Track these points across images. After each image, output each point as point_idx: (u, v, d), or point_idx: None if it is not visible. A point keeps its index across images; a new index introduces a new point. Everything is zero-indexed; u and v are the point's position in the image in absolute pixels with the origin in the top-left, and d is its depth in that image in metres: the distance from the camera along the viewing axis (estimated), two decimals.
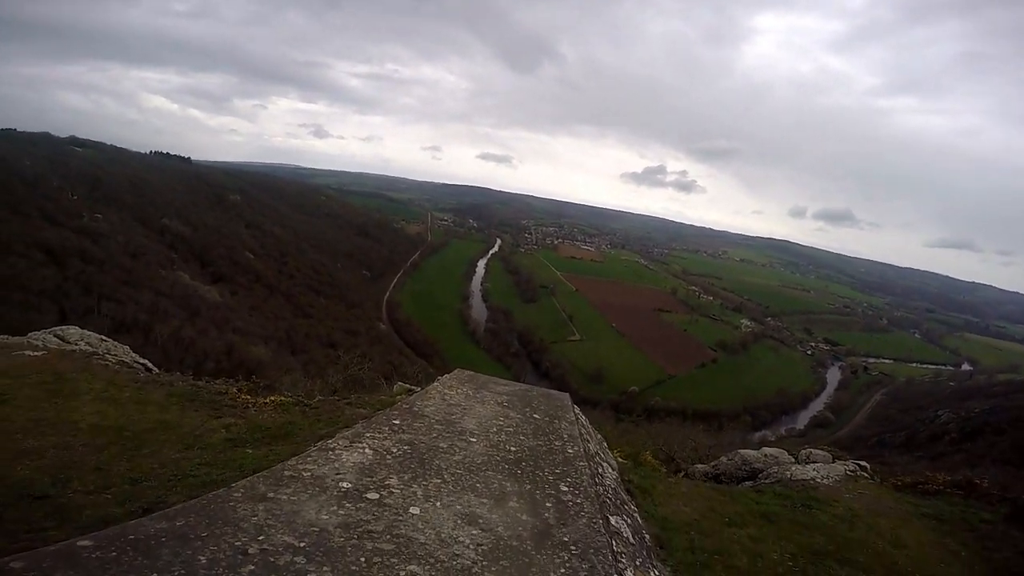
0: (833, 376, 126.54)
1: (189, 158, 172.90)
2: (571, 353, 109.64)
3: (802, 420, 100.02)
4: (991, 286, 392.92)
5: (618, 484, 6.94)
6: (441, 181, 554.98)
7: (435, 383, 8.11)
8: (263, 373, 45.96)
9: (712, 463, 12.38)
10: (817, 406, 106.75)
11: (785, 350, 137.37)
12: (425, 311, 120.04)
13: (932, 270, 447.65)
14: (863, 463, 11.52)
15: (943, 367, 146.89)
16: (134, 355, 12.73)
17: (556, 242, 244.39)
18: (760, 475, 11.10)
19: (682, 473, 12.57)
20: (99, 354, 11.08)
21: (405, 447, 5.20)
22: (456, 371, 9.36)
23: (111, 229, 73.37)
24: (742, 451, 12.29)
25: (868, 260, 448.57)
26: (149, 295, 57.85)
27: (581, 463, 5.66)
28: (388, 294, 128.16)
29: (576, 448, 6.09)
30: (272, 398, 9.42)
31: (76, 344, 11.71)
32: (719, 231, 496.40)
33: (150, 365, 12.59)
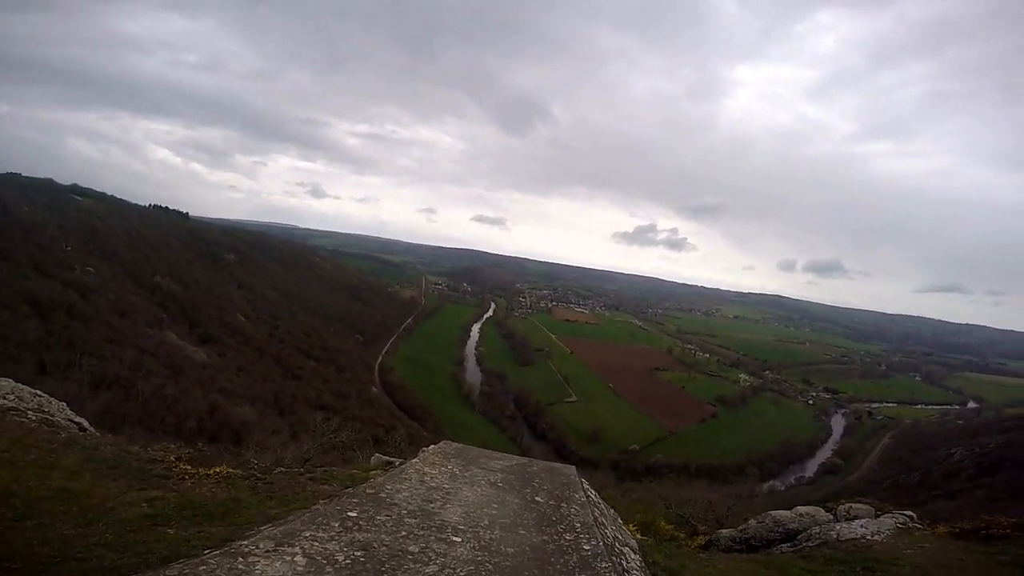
0: (837, 423, 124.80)
1: (187, 213, 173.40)
2: (568, 414, 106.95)
3: (810, 468, 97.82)
4: (985, 326, 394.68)
5: (643, 570, 5.87)
6: (436, 244, 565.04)
7: (414, 460, 7.03)
8: (248, 433, 43.66)
9: (740, 527, 11.49)
10: (825, 453, 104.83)
11: (786, 401, 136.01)
12: (418, 375, 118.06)
13: (925, 315, 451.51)
14: (909, 513, 10.72)
15: (948, 407, 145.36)
16: (70, 413, 11.79)
17: (550, 305, 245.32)
18: (798, 536, 10.18)
19: (704, 539, 11.60)
20: (19, 410, 10.04)
21: (357, 552, 3.87)
22: (442, 443, 8.38)
23: (102, 284, 72.42)
24: (773, 512, 11.37)
25: (861, 310, 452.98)
26: (133, 352, 56.10)
27: (603, 564, 4.44)
28: (381, 358, 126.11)
29: (594, 543, 4.89)
30: (217, 469, 8.27)
31: (3, 398, 10.61)
32: (711, 288, 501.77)
33: (86, 425, 11.56)
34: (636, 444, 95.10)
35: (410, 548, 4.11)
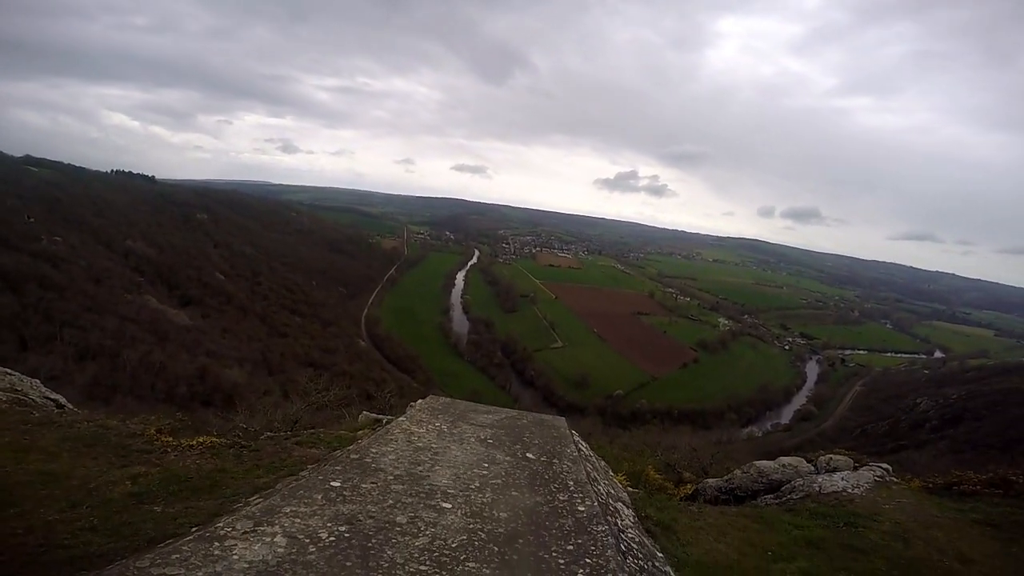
0: (812, 370, 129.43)
1: (153, 176, 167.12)
2: (555, 360, 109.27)
3: (786, 415, 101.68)
4: (953, 274, 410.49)
5: (637, 526, 5.78)
6: (415, 194, 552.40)
7: (400, 418, 6.76)
8: (240, 395, 44.13)
9: (725, 477, 11.65)
10: (800, 400, 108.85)
11: (764, 346, 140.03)
12: (405, 326, 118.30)
13: (897, 261, 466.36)
14: (885, 466, 11.02)
15: (916, 355, 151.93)
16: (45, 390, 11.36)
17: (534, 251, 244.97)
18: (783, 488, 10.38)
19: (692, 488, 11.91)
20: None
21: (342, 527, 3.64)
22: (429, 398, 8.07)
23: (72, 253, 69.95)
24: (757, 463, 11.54)
25: (836, 255, 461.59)
26: (114, 321, 55.11)
27: (600, 527, 4.25)
28: (366, 310, 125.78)
29: (589, 502, 4.68)
30: (200, 439, 8.02)
31: None
32: (692, 233, 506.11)
33: (63, 402, 11.17)
34: (621, 390, 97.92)
35: (398, 519, 3.89)
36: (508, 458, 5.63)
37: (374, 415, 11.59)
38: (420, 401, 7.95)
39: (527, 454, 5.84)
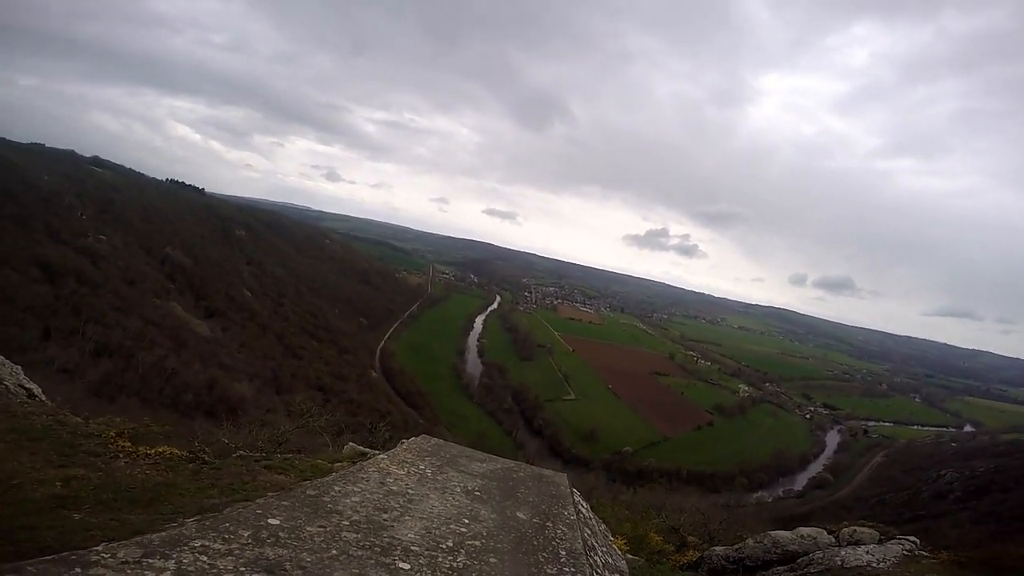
0: (832, 439, 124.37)
1: (203, 189, 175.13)
2: (565, 412, 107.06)
3: (800, 482, 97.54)
4: (991, 352, 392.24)
5: None
6: (446, 233, 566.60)
7: (381, 456, 6.21)
8: (244, 410, 44.15)
9: (735, 546, 10.93)
10: (816, 468, 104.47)
11: (784, 414, 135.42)
12: (419, 362, 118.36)
13: (932, 338, 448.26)
14: (913, 539, 10.25)
15: (945, 429, 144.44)
16: (23, 378, 11.30)
17: (556, 302, 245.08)
18: (799, 560, 9.65)
19: (696, 555, 11.23)
20: None
21: None
22: (419, 437, 7.51)
23: (113, 252, 73.26)
24: (773, 533, 10.83)
25: (867, 329, 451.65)
26: (137, 322, 56.83)
27: None
28: (383, 343, 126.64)
29: None
30: (160, 449, 7.59)
31: None
32: (719, 297, 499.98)
33: (36, 392, 11.04)
34: (630, 447, 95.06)
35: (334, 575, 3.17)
36: (494, 515, 4.92)
37: (360, 448, 10.96)
38: (409, 439, 7.40)
39: (517, 513, 5.15)
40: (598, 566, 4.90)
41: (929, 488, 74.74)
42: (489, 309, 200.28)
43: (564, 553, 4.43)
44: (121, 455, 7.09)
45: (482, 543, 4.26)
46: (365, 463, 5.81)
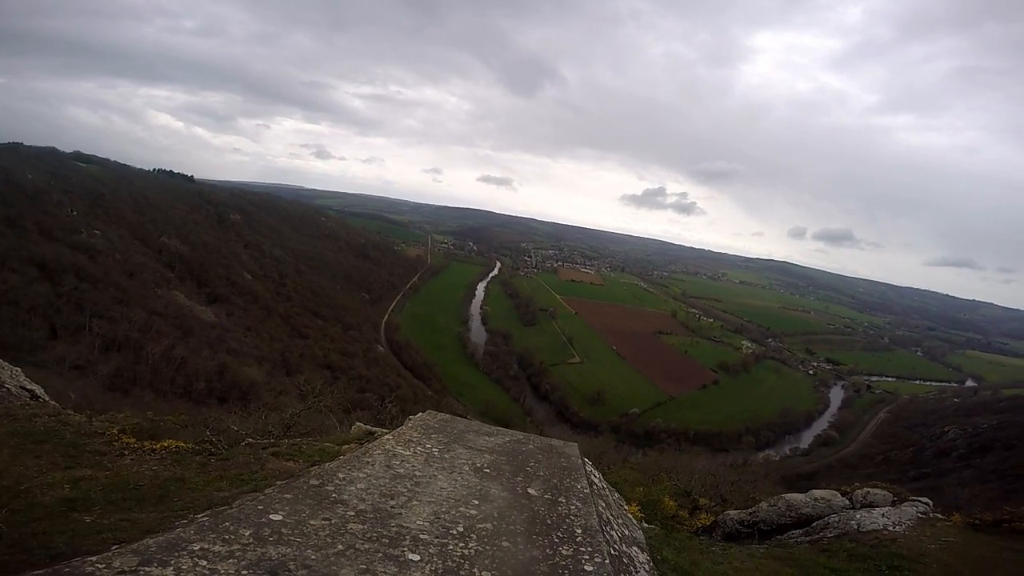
0: (836, 395, 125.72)
1: (192, 176, 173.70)
2: (571, 376, 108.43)
3: (806, 439, 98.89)
4: (992, 304, 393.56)
5: (652, 572, 5.19)
6: (441, 204, 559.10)
7: (386, 436, 5.97)
8: (256, 394, 44.74)
9: (749, 510, 10.86)
10: (821, 425, 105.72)
11: (787, 370, 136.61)
12: (424, 334, 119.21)
13: (932, 289, 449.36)
14: (926, 500, 10.31)
15: (947, 384, 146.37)
16: (24, 380, 11.28)
17: (556, 265, 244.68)
18: (814, 523, 9.64)
19: (710, 519, 11.30)
20: None
21: None
22: (425, 413, 7.33)
23: (109, 246, 72.89)
24: (787, 496, 10.73)
25: (868, 280, 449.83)
26: (142, 314, 57.00)
27: None
28: (387, 316, 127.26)
29: (599, 559, 3.87)
30: (165, 443, 7.45)
31: None
32: (718, 253, 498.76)
33: (39, 392, 10.97)
34: (637, 408, 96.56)
35: (341, 573, 3.04)
36: (505, 494, 4.81)
37: (367, 427, 10.61)
38: (415, 416, 7.22)
39: (529, 489, 5.02)
40: (615, 541, 4.81)
41: (933, 445, 76.27)
42: (490, 276, 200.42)
43: (580, 531, 4.28)
44: (127, 452, 7.03)
45: (493, 525, 4.12)
46: (370, 445, 5.63)
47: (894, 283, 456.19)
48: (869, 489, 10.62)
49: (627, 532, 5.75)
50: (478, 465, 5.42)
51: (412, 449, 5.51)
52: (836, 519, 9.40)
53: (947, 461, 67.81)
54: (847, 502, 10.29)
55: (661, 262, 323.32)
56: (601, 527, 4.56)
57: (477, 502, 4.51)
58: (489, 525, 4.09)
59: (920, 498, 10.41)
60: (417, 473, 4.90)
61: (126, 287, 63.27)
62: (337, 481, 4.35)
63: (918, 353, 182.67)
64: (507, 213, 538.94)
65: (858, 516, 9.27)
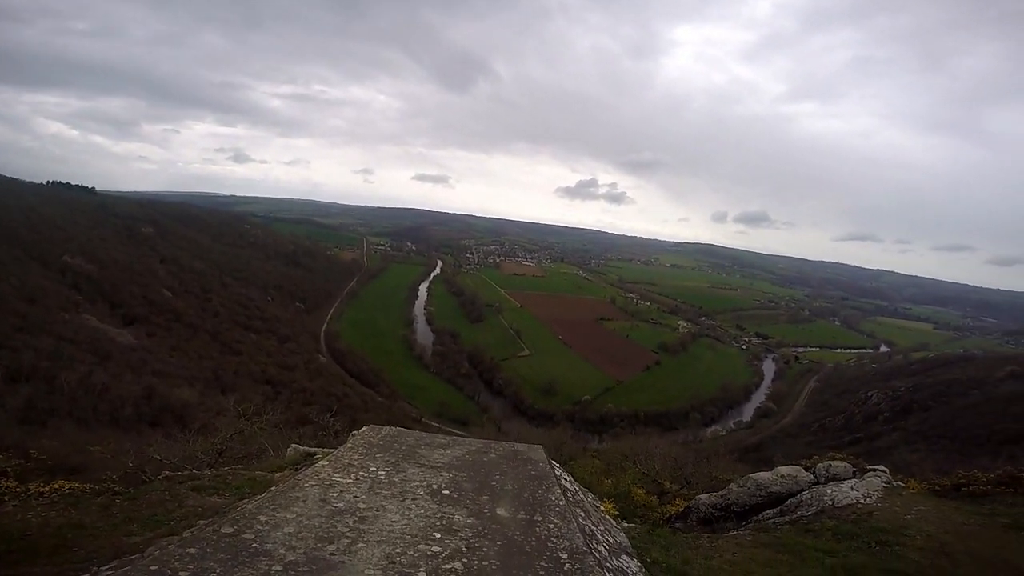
0: (768, 368, 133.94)
1: (93, 188, 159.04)
2: (522, 369, 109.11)
3: (747, 412, 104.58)
4: (893, 271, 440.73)
5: None
6: (375, 204, 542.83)
7: (321, 462, 5.17)
8: (191, 415, 41.55)
9: (720, 492, 10.81)
10: (759, 397, 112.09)
11: (722, 347, 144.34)
12: (367, 339, 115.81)
13: (842, 261, 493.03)
14: (883, 468, 10.66)
15: (864, 351, 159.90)
16: None
17: (498, 260, 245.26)
18: (788, 502, 9.67)
19: (683, 505, 11.17)
20: None
21: None
22: (367, 428, 6.49)
23: (2, 269, 64.65)
24: (755, 475, 10.77)
25: (786, 257, 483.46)
26: (50, 341, 51.03)
27: None
28: (326, 325, 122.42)
29: None
30: (56, 485, 6.63)
31: None
32: (650, 239, 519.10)
33: None
34: (588, 395, 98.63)
35: None
36: (472, 519, 4.09)
37: (305, 448, 9.59)
38: (357, 432, 6.46)
39: (498, 510, 4.35)
40: (604, 557, 4.31)
41: (861, 410, 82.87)
42: (432, 275, 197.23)
43: (565, 556, 3.73)
44: (7, 498, 6.18)
45: (463, 564, 3.40)
46: (300, 475, 4.84)
47: (808, 258, 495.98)
48: (830, 462, 10.86)
49: (612, 539, 5.32)
50: (435, 487, 4.72)
51: (353, 475, 4.72)
52: (808, 496, 9.47)
53: (875, 424, 74.19)
54: (812, 477, 10.48)
55: (597, 251, 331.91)
56: (587, 545, 4.08)
57: (439, 535, 3.78)
58: (458, 564, 3.38)
59: (878, 467, 10.81)
60: (361, 506, 4.10)
61: (27, 314, 56.32)
62: (258, 526, 3.53)
63: (836, 323, 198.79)
64: (445, 211, 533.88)
65: (829, 491, 9.38)
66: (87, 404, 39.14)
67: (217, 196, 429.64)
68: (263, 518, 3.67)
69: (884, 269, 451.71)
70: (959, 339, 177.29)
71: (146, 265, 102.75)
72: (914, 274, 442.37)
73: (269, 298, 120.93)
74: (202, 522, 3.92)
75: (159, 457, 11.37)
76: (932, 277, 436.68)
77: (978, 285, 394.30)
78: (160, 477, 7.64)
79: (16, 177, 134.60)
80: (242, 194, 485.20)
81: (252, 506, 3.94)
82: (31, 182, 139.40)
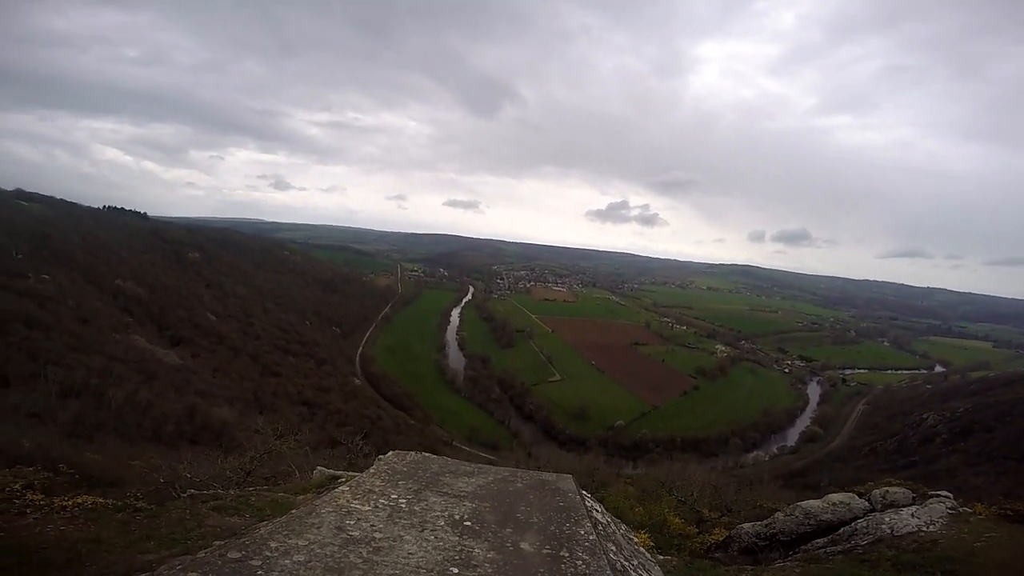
0: (813, 391, 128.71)
1: (145, 213, 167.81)
2: (553, 394, 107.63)
3: (791, 437, 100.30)
4: (945, 289, 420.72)
5: None
6: (408, 230, 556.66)
7: (341, 488, 5.01)
8: (229, 434, 42.30)
9: (765, 521, 10.38)
10: (804, 422, 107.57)
11: (763, 371, 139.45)
12: (400, 364, 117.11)
13: (888, 280, 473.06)
14: (947, 493, 9.92)
15: (917, 371, 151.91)
16: None
17: (529, 285, 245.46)
18: (841, 531, 9.11)
19: (723, 534, 10.72)
20: None
21: None
22: (392, 453, 6.38)
23: (59, 291, 68.55)
24: (803, 504, 10.32)
25: (828, 276, 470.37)
26: (101, 360, 53.43)
27: None
28: (361, 349, 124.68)
29: None
30: (78, 500, 6.61)
31: None
32: (684, 261, 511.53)
33: None
34: (622, 420, 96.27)
35: None
36: (493, 554, 3.86)
37: (331, 471, 9.51)
38: (383, 457, 6.36)
39: (522, 544, 4.12)
40: None
41: (915, 433, 78.42)
42: (464, 301, 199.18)
43: None
44: (29, 510, 6.16)
45: None
46: (319, 501, 4.71)
47: (852, 277, 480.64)
48: (887, 488, 10.31)
49: (644, 574, 5.01)
50: (456, 517, 4.51)
51: (372, 503, 4.55)
52: (864, 524, 8.97)
53: (932, 447, 69.62)
54: (867, 504, 9.98)
55: (630, 274, 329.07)
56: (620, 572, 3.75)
57: (456, 570, 3.57)
58: None
59: (940, 492, 10.10)
60: (377, 535, 3.93)
61: (81, 334, 59.34)
62: (268, 552, 3.38)
63: (885, 343, 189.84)
64: (476, 236, 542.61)
65: (887, 519, 8.85)
66: (132, 420, 40.51)
67: (260, 222, 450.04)
68: (274, 544, 3.53)
69: (935, 287, 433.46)
70: (1021, 357, 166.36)
71: (192, 290, 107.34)
72: (968, 290, 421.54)
73: (307, 322, 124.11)
74: (217, 543, 3.88)
75: (188, 475, 11.35)
76: (987, 293, 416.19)
77: None
78: (185, 495, 7.66)
79: (75, 202, 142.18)
80: (283, 220, 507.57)
81: (265, 531, 3.81)
82: (89, 206, 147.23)
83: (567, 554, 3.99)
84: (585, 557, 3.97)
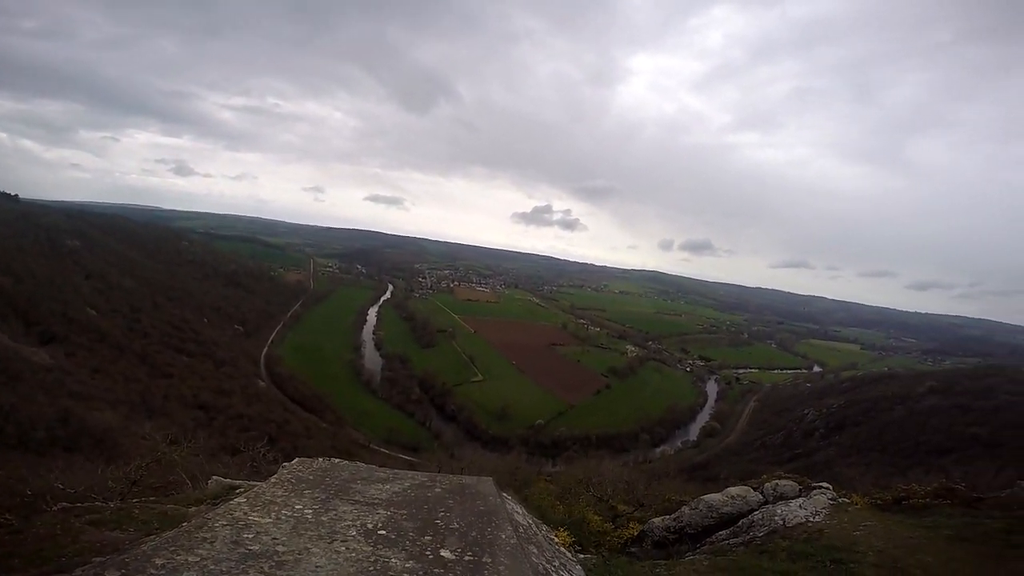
0: (712, 389, 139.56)
1: (16, 195, 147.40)
2: (475, 394, 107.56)
3: (694, 432, 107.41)
4: (824, 297, 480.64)
5: None
6: (325, 224, 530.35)
7: (238, 499, 4.59)
8: (113, 440, 37.93)
9: (673, 515, 10.78)
10: (704, 417, 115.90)
11: (668, 370, 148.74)
12: (311, 364, 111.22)
13: (778, 288, 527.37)
14: (826, 485, 10.89)
15: (799, 371, 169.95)
16: None
17: (452, 285, 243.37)
18: (740, 523, 9.66)
19: (637, 529, 11.05)
20: None
21: None
22: (296, 462, 5.94)
23: None
24: (706, 497, 10.79)
25: (726, 284, 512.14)
26: None
27: None
28: (266, 349, 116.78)
29: None
30: None
31: None
32: (599, 266, 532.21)
33: None
34: (541, 419, 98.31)
35: None
36: (411, 563, 3.61)
37: (229, 480, 8.90)
38: (287, 464, 5.91)
39: (442, 551, 3.90)
40: None
41: (798, 428, 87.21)
42: (382, 299, 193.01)
43: None
44: None
45: None
46: (212, 512, 4.27)
47: (747, 285, 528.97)
48: (777, 481, 11.08)
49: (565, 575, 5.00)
50: (370, 526, 4.21)
51: (274, 514, 4.17)
52: (760, 516, 9.54)
53: (812, 441, 77.98)
54: (760, 496, 10.63)
55: (550, 277, 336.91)
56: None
57: None
58: None
59: (822, 484, 11.05)
60: (280, 548, 3.58)
61: None
62: (152, 570, 3.05)
63: (773, 345, 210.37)
64: (399, 233, 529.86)
65: (779, 511, 9.45)
66: None
67: (156, 209, 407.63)
68: (160, 561, 3.15)
69: (816, 295, 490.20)
70: (883, 358, 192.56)
71: (69, 280, 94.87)
72: (843, 299, 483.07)
73: (205, 320, 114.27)
74: (97, 559, 3.50)
75: (60, 486, 10.09)
76: (858, 301, 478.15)
77: (898, 308, 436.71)
78: (55, 508, 6.84)
79: None
80: (183, 208, 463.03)
81: (149, 546, 3.39)
82: None
83: (489, 559, 3.86)
84: (507, 561, 3.88)
